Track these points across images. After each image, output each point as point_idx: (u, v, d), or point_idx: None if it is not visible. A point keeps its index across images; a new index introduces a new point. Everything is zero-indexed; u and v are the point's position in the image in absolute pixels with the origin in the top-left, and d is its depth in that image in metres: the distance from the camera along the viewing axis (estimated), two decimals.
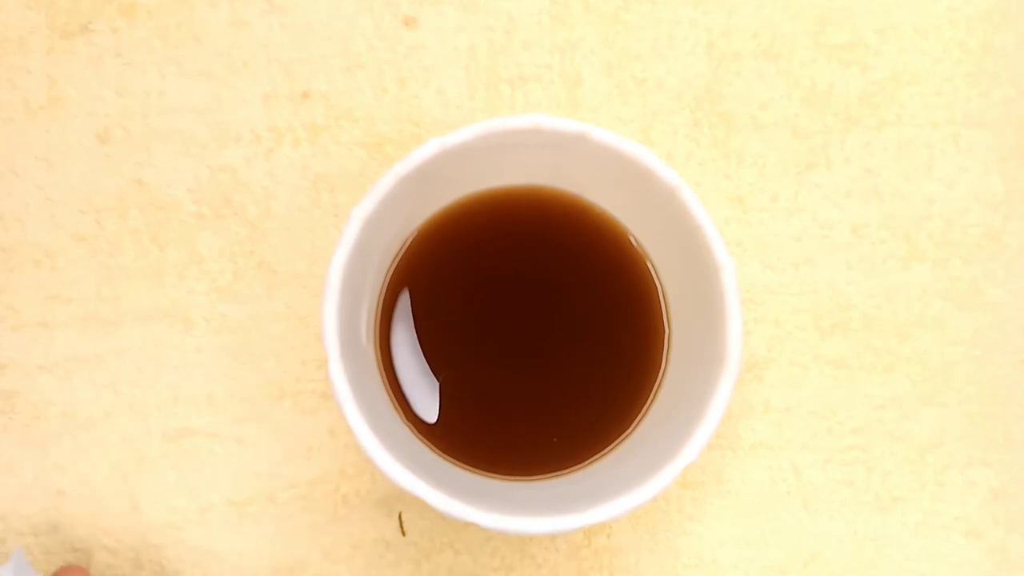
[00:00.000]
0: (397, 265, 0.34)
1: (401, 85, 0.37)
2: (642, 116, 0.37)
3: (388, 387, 0.33)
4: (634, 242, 0.34)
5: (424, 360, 0.33)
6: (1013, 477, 0.36)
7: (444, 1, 0.37)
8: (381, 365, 0.33)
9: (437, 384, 0.33)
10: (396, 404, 0.33)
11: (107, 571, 0.35)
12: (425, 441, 0.33)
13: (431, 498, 0.29)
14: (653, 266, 0.34)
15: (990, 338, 0.37)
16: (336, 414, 0.36)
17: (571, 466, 0.33)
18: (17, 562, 0.32)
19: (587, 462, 0.33)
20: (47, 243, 0.36)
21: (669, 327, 0.34)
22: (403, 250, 0.34)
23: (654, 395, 0.33)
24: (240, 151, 0.37)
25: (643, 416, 0.33)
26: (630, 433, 0.33)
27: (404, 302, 0.34)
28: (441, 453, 0.33)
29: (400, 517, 0.36)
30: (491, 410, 0.34)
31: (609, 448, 0.33)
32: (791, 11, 0.38)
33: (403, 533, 0.35)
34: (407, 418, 0.33)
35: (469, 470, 0.33)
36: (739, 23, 0.38)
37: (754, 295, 0.37)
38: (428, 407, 0.33)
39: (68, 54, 0.37)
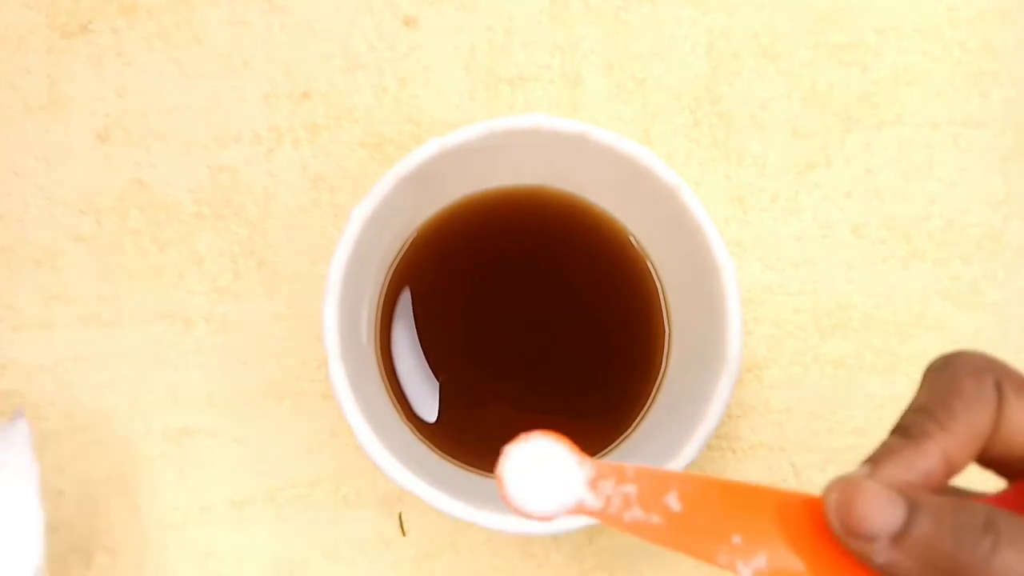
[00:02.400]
0: (397, 265, 0.34)
1: (401, 85, 0.37)
2: (642, 116, 0.37)
3: (388, 387, 0.33)
4: (634, 242, 0.34)
5: (424, 360, 0.33)
6: None
7: (444, 1, 0.37)
8: (381, 365, 0.33)
9: (437, 384, 0.33)
10: (396, 404, 0.33)
11: (107, 571, 0.35)
12: (425, 441, 0.33)
13: (431, 498, 0.29)
14: (653, 266, 0.34)
15: (990, 338, 0.37)
16: (336, 414, 0.35)
17: None
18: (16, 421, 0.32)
19: None
20: (47, 243, 0.36)
21: (669, 327, 0.34)
22: (403, 250, 0.34)
23: (654, 395, 0.33)
24: (240, 151, 0.37)
25: (643, 416, 0.33)
26: (630, 433, 0.33)
27: (404, 302, 0.34)
28: (441, 453, 0.33)
29: (400, 517, 0.35)
30: (491, 410, 0.34)
31: (609, 448, 0.33)
32: (791, 11, 0.38)
33: (403, 533, 0.35)
34: (407, 418, 0.33)
35: (469, 470, 0.33)
36: (739, 23, 0.38)
37: (754, 295, 0.37)
38: (428, 407, 0.33)
39: (68, 54, 0.37)
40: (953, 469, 0.22)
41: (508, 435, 0.34)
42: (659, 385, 0.33)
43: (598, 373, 0.34)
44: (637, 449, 0.32)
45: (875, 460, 0.22)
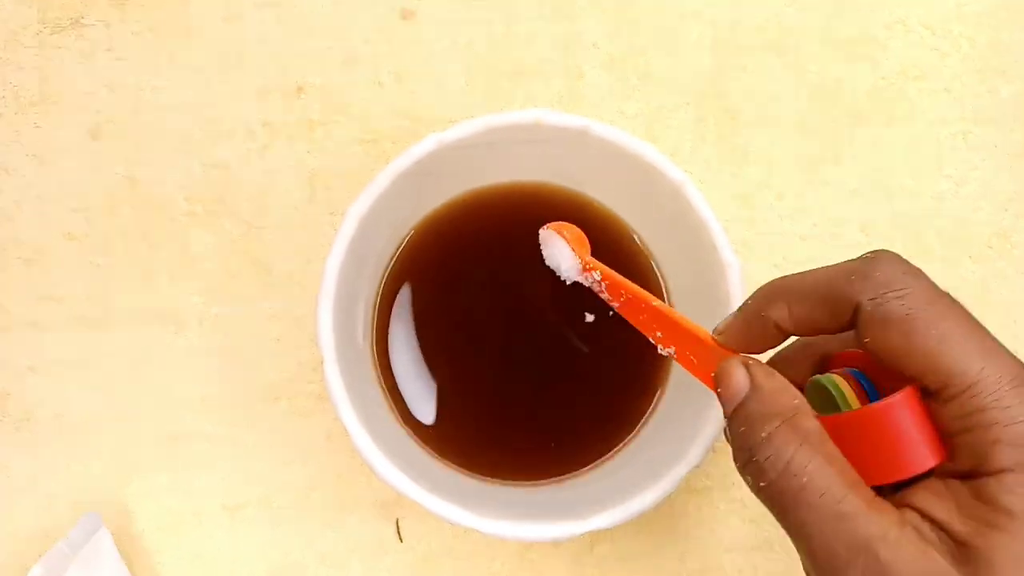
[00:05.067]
0: (395, 264, 0.33)
1: (398, 79, 0.37)
2: (646, 111, 0.37)
3: (385, 389, 0.33)
4: (637, 240, 0.33)
5: (422, 362, 0.33)
6: None
7: None
8: (378, 367, 0.33)
9: (435, 386, 0.33)
10: (393, 407, 0.32)
11: None
12: (423, 445, 0.32)
13: (429, 503, 0.28)
14: (656, 265, 0.33)
15: (999, 338, 0.36)
16: (332, 417, 0.35)
17: (572, 471, 0.32)
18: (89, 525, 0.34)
19: (589, 467, 0.32)
20: (38, 242, 0.36)
21: None
22: (400, 249, 0.33)
23: (657, 398, 0.33)
24: (233, 147, 0.36)
25: (646, 419, 0.33)
26: (633, 437, 0.32)
27: (402, 302, 0.33)
28: (439, 457, 0.32)
29: (397, 523, 0.35)
30: (490, 413, 0.33)
31: (612, 452, 0.32)
32: (798, 4, 0.37)
33: (400, 539, 0.35)
34: (405, 421, 0.32)
35: (468, 474, 0.32)
36: (745, 16, 0.37)
37: None
38: (426, 410, 0.33)
39: (59, 49, 0.37)
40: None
41: (509, 438, 0.33)
42: (662, 387, 0.33)
43: (600, 374, 0.33)
44: (640, 453, 0.32)
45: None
